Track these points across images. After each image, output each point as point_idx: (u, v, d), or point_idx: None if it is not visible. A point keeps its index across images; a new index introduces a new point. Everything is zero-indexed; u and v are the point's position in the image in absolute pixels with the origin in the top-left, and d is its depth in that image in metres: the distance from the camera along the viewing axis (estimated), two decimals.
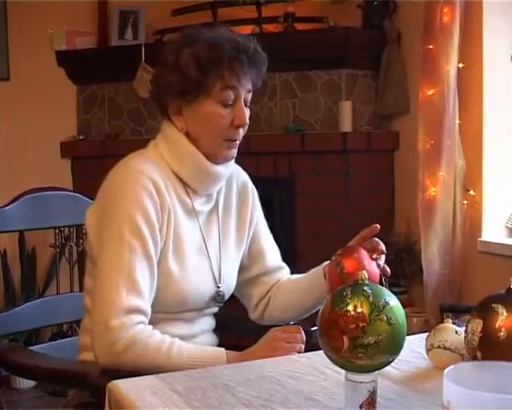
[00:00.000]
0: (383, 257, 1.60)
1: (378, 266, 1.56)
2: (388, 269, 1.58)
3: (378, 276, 1.53)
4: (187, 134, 1.65)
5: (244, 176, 1.85)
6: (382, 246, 1.59)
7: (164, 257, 1.60)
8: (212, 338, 1.78)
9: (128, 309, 1.50)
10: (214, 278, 1.71)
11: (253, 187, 1.85)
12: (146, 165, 1.61)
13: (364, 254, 1.53)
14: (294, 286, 1.83)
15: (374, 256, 1.55)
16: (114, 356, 1.49)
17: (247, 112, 1.66)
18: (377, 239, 1.61)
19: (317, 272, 1.75)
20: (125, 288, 1.50)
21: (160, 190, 1.59)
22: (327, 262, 1.69)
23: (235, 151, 1.68)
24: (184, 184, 1.67)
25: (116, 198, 1.58)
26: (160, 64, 1.67)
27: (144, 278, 1.54)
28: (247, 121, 1.64)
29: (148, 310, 1.55)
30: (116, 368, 1.47)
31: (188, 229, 1.67)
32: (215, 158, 1.66)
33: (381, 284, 1.13)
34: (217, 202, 1.76)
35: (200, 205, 1.71)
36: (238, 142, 1.67)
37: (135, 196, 1.56)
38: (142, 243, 1.54)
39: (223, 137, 1.63)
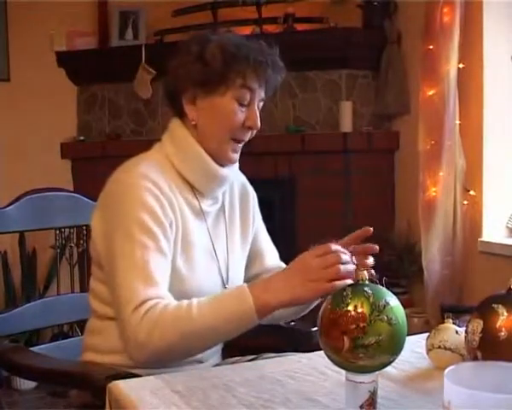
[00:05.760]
0: (371, 258, 1.48)
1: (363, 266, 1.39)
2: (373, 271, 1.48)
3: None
4: (196, 127, 1.64)
5: (243, 178, 1.85)
6: (375, 248, 1.49)
7: (172, 257, 1.59)
8: None
9: (145, 300, 1.45)
10: (222, 280, 1.70)
11: (252, 188, 1.86)
12: (149, 169, 1.59)
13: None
14: None
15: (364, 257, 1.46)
16: (144, 346, 1.42)
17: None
18: (371, 244, 1.51)
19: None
20: (141, 283, 1.46)
21: (164, 192, 1.58)
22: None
23: (237, 156, 1.68)
24: (191, 186, 1.66)
25: (121, 203, 1.56)
26: (180, 54, 1.65)
27: (159, 267, 1.50)
28: (259, 125, 1.65)
29: (166, 294, 1.49)
30: (156, 358, 1.43)
31: (196, 230, 1.66)
32: (219, 158, 1.65)
33: (381, 283, 1.13)
34: (223, 202, 1.76)
35: (208, 206, 1.71)
36: (241, 146, 1.67)
37: (140, 198, 1.54)
38: (153, 239, 1.51)
39: (232, 135, 1.63)
